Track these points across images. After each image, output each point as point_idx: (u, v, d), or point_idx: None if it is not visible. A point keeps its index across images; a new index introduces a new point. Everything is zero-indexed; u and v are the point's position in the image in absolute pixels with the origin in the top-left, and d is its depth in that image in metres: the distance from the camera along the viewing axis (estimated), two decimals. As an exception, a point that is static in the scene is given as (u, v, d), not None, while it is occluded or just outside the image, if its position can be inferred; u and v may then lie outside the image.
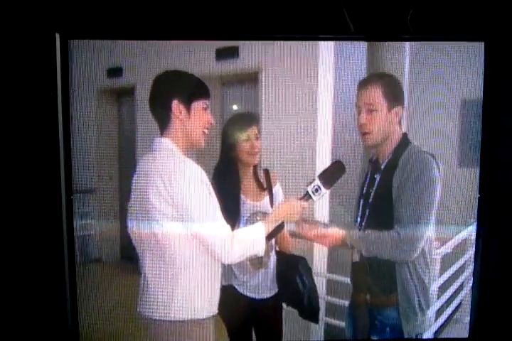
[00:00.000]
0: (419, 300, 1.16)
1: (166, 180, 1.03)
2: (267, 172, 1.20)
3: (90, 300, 1.17)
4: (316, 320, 1.23)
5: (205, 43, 1.13)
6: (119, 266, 1.23)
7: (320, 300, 1.25)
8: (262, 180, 1.21)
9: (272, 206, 1.21)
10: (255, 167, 1.20)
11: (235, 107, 1.20)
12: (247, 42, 1.14)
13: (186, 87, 1.09)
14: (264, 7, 1.16)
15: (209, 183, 1.08)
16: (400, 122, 1.16)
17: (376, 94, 1.13)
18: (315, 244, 1.23)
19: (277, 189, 1.21)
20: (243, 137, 1.16)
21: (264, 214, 1.19)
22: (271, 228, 1.12)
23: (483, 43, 1.14)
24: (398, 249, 1.12)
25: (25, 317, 1.20)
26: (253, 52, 1.14)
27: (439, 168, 1.13)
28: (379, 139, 1.15)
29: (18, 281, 1.19)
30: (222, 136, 1.16)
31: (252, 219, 1.18)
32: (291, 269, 1.21)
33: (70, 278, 1.16)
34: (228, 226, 1.08)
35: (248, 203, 1.20)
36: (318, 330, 1.27)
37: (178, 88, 1.09)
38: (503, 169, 1.19)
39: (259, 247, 1.10)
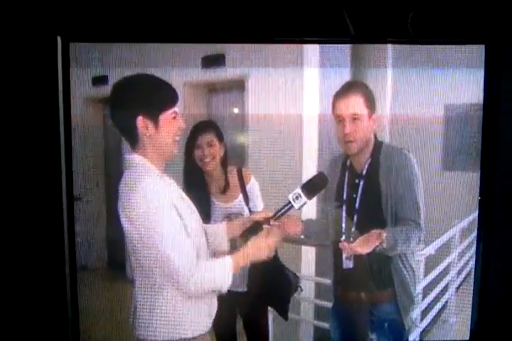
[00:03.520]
0: (413, 289, 1.20)
1: (133, 199, 0.94)
2: (239, 171, 1.22)
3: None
4: (285, 318, 1.23)
5: (191, 51, 1.14)
6: (106, 273, 1.22)
7: (308, 304, 1.26)
8: (235, 183, 1.21)
9: (247, 204, 1.22)
10: (225, 170, 1.21)
11: (221, 114, 1.21)
12: (234, 50, 1.15)
13: (150, 97, 0.98)
14: (253, 12, 1.18)
15: (182, 203, 1.01)
16: (375, 128, 1.19)
17: (358, 103, 1.16)
18: (302, 248, 1.25)
19: (251, 185, 1.22)
20: (194, 145, 1.17)
21: (238, 215, 1.21)
22: (240, 263, 1.04)
23: (478, 47, 1.16)
24: (419, 242, 1.16)
25: (25, 320, 1.20)
26: (239, 60, 1.15)
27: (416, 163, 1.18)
28: (362, 146, 1.18)
29: (18, 287, 1.19)
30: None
31: (226, 221, 1.19)
32: (261, 268, 1.18)
33: (71, 282, 1.16)
34: (194, 256, 0.97)
35: (219, 206, 1.21)
36: (307, 334, 1.28)
37: (140, 100, 0.97)
38: (502, 172, 1.22)
39: (224, 283, 1.00)
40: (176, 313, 0.99)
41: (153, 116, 0.97)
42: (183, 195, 1.04)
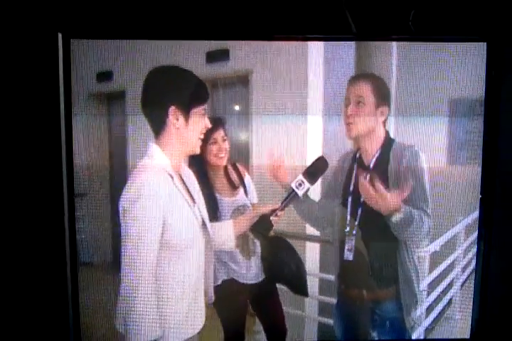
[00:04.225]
0: (417, 287, 1.20)
1: (128, 189, 0.95)
2: (235, 166, 1.23)
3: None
4: (305, 294, 1.23)
5: (195, 46, 1.14)
6: (111, 270, 1.22)
7: (313, 300, 1.26)
8: (234, 177, 1.23)
9: (247, 196, 1.24)
10: (226, 167, 1.22)
11: (224, 109, 1.21)
12: (238, 45, 1.15)
13: (185, 90, 1.00)
14: (258, 8, 1.18)
15: (184, 207, 1.01)
16: (384, 123, 1.19)
17: (366, 88, 1.17)
18: (307, 243, 1.25)
19: (247, 180, 1.23)
20: (210, 140, 1.16)
21: (245, 207, 1.22)
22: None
23: (481, 44, 1.16)
24: (429, 232, 1.17)
25: (27, 316, 1.20)
26: (243, 55, 1.15)
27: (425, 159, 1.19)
28: (362, 131, 1.19)
29: (19, 283, 1.19)
30: None
31: (235, 214, 1.21)
32: (273, 250, 1.22)
33: (72, 281, 1.16)
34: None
35: (225, 200, 1.22)
36: (312, 330, 1.28)
37: (176, 91, 0.99)
38: (503, 169, 1.21)
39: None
40: (161, 314, 0.99)
41: (186, 109, 0.99)
42: (189, 198, 1.04)
